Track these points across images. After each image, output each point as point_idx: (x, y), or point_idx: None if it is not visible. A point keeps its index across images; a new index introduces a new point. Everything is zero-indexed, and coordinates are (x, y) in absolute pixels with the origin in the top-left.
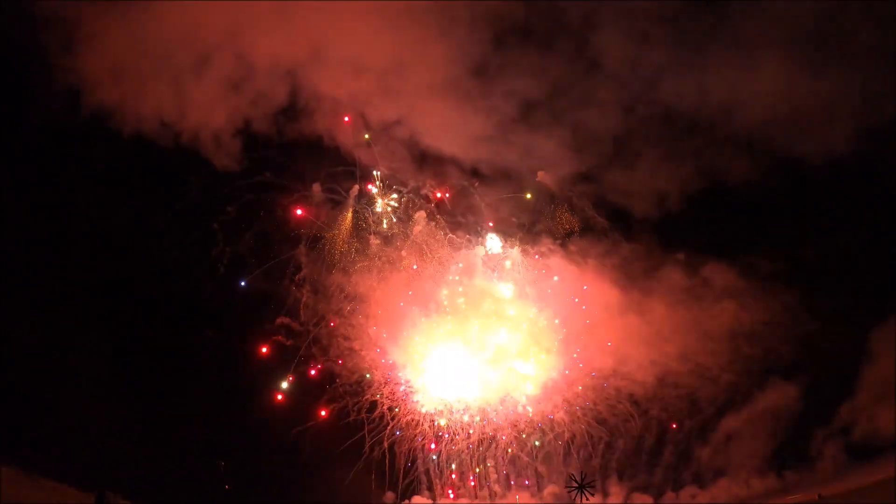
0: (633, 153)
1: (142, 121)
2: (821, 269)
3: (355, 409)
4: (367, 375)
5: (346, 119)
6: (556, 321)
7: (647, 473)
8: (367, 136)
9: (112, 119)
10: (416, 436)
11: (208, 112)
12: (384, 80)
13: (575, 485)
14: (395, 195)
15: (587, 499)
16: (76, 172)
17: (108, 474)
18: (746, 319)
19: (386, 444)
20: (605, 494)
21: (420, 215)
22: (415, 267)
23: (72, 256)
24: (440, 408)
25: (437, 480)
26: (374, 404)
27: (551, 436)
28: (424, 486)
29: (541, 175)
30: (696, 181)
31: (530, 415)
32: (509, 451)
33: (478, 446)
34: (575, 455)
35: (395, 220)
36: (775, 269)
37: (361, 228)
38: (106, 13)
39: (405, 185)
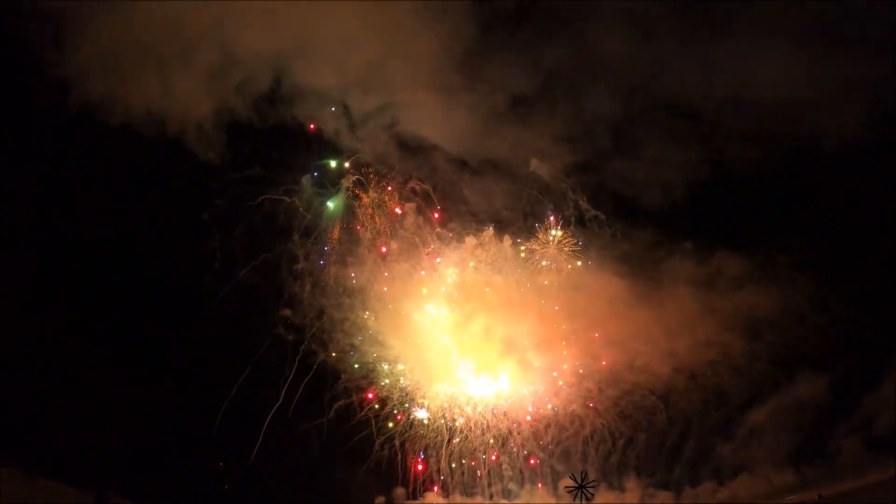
0: (639, 142)
1: (129, 116)
2: (843, 258)
3: (361, 405)
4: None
5: (312, 127)
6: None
7: (665, 469)
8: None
9: (100, 114)
10: (427, 433)
11: (197, 107)
12: (375, 70)
13: (574, 485)
14: (385, 187)
15: (587, 499)
16: (66, 168)
17: (108, 474)
18: (767, 309)
19: (397, 443)
20: (623, 490)
21: (410, 207)
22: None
23: (69, 255)
24: (450, 404)
25: (450, 479)
26: (381, 401)
27: (570, 431)
28: (438, 484)
29: (534, 164)
30: (709, 169)
31: (544, 410)
32: (523, 447)
33: (491, 443)
34: (594, 451)
35: (384, 213)
36: (795, 258)
37: (352, 222)
38: (92, 6)
39: (395, 178)
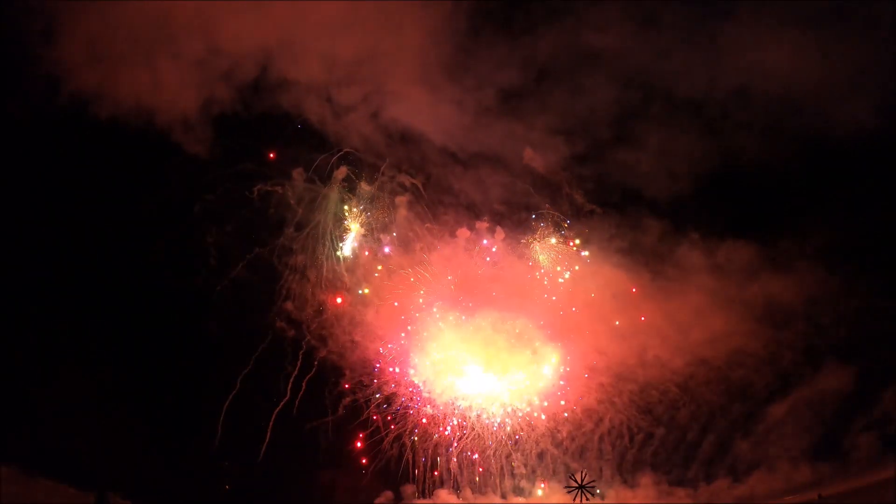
0: (640, 132)
1: (117, 112)
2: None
3: (366, 403)
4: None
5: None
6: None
7: (682, 466)
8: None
9: (87, 110)
10: (438, 431)
11: (184, 101)
12: (364, 61)
13: (574, 485)
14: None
15: (587, 499)
16: (54, 164)
17: (108, 474)
18: (786, 301)
19: (407, 441)
20: (635, 486)
21: (401, 201)
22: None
23: (65, 253)
24: (459, 400)
25: (461, 476)
26: (387, 398)
27: (586, 427)
28: (450, 483)
29: (528, 155)
30: (721, 158)
31: (556, 405)
32: (536, 443)
33: (505, 441)
34: (609, 448)
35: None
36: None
37: (344, 216)
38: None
39: (385, 172)
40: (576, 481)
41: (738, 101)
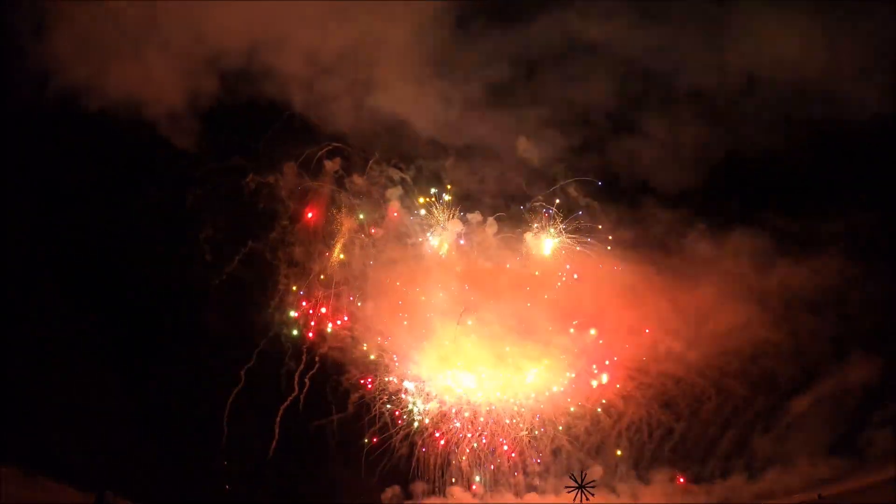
0: (649, 123)
1: (106, 106)
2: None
3: (372, 400)
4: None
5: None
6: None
7: (699, 462)
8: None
9: (76, 104)
10: (448, 427)
11: (174, 97)
12: (357, 54)
13: (574, 485)
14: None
15: (587, 499)
16: (46, 160)
17: (108, 474)
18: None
19: (419, 439)
20: (647, 482)
21: (393, 192)
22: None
23: (65, 252)
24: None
25: (472, 474)
26: (393, 394)
27: (602, 423)
28: (461, 480)
29: (522, 145)
30: (735, 146)
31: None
32: (551, 440)
33: (518, 437)
34: (627, 443)
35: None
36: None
37: (337, 211)
38: None
39: (375, 165)
40: (575, 481)
41: (747, 89)
